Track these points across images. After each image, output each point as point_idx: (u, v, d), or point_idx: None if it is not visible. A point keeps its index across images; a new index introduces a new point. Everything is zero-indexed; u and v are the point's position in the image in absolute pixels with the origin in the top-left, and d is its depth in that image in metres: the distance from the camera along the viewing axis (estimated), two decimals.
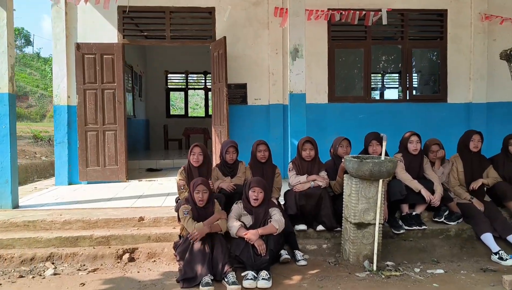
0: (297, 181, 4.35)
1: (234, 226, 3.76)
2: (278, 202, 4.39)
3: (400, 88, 9.65)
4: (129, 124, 11.45)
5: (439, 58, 7.44)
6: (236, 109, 6.87)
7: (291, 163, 4.55)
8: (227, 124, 6.30)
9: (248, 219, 3.89)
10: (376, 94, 11.98)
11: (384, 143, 3.77)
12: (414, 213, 4.39)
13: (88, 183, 6.61)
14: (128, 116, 10.72)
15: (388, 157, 3.92)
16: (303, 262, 3.89)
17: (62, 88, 6.57)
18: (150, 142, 13.85)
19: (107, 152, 6.63)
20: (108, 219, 4.38)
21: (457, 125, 7.06)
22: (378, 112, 7.12)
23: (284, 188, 4.60)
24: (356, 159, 3.77)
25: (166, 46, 9.83)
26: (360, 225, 3.81)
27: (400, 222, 4.32)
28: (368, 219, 3.78)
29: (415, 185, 4.33)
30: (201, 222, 3.67)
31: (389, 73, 12.46)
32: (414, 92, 7.23)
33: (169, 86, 14.47)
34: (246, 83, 6.89)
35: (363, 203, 3.77)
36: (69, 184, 6.60)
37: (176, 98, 25.95)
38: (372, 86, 8.21)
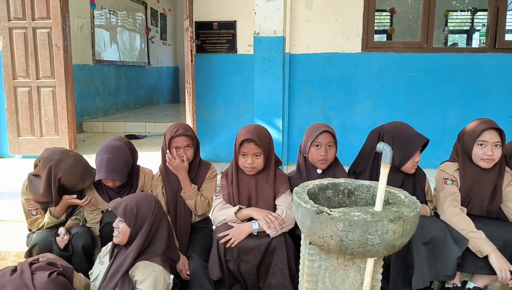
0: (222, 219, 2.23)
1: None
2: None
3: (481, 31, 6.66)
4: (140, 74, 9.72)
5: None
6: (218, 60, 4.64)
7: (221, 175, 2.39)
8: (192, 84, 4.13)
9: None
10: (439, 41, 8.72)
11: (385, 170, 1.45)
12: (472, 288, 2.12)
13: (23, 158, 4.92)
14: (134, 63, 9.08)
15: (410, 200, 1.60)
16: None
17: None
18: (180, 93, 12.06)
19: (43, 117, 4.82)
20: None
21: None
22: (442, 68, 4.50)
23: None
24: (308, 206, 1.49)
25: None
26: None
27: None
28: None
29: (480, 244, 2.01)
30: None
31: (462, 10, 9.09)
32: (506, 37, 4.47)
33: None
34: (235, 21, 4.58)
35: None
36: None
37: None
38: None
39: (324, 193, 1.79)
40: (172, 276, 2.01)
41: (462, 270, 2.14)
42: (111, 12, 7.85)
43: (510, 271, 2.00)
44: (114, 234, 2.00)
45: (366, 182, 1.79)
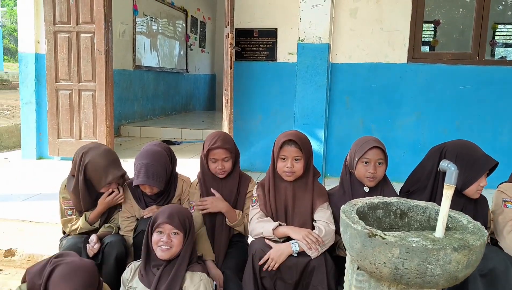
0: (259, 232, 2.12)
1: None
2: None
3: None
4: (178, 80, 9.82)
5: None
6: (257, 68, 4.55)
7: (258, 185, 2.28)
8: (230, 91, 4.05)
9: None
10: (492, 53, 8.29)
11: (449, 191, 1.29)
12: None
13: (61, 159, 4.99)
14: (173, 70, 9.15)
15: (474, 226, 1.42)
16: None
17: (28, 30, 4.89)
18: (217, 100, 12.11)
19: (83, 120, 4.88)
20: None
21: None
22: (494, 83, 4.24)
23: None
24: (358, 228, 1.34)
25: None
26: None
27: None
28: None
29: None
30: None
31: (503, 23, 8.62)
32: None
33: None
34: (276, 28, 4.47)
35: None
36: (39, 158, 5.05)
37: None
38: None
39: (374, 213, 1.64)
40: (214, 283, 2.03)
41: None
42: (153, 19, 7.96)
43: None
44: (162, 250, 1.90)
45: (422, 203, 1.62)
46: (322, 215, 2.13)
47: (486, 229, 2.10)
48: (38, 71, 4.93)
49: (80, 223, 2.30)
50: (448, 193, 1.30)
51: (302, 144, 2.14)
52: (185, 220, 1.95)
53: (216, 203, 2.29)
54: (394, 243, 1.28)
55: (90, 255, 2.17)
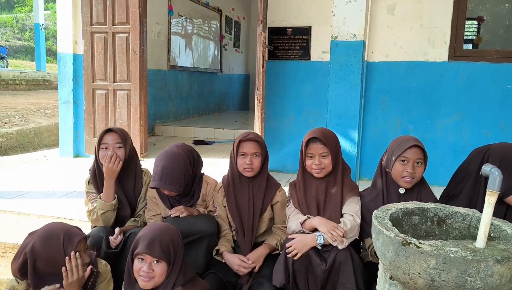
0: (293, 229, 2.14)
1: None
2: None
3: None
4: (212, 80, 9.83)
5: None
6: (290, 67, 4.47)
7: (290, 185, 2.28)
8: (262, 91, 3.99)
9: None
10: None
11: (492, 198, 1.18)
12: None
13: None
14: (207, 70, 9.16)
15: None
16: None
17: (67, 30, 5.01)
18: (250, 100, 12.12)
19: (118, 119, 4.96)
20: None
21: None
22: None
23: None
24: (391, 235, 1.25)
25: None
26: None
27: None
28: None
29: None
30: None
31: None
32: None
33: None
34: (310, 27, 4.38)
35: None
36: (76, 156, 5.18)
37: None
38: None
39: (409, 219, 1.54)
40: None
41: None
42: (188, 19, 8.02)
43: None
44: (143, 280, 1.72)
45: (462, 209, 1.50)
46: (350, 209, 2.13)
47: None
48: (76, 71, 5.04)
49: (97, 205, 2.31)
50: (490, 199, 1.19)
51: (327, 141, 2.15)
52: (168, 246, 1.73)
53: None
54: (430, 252, 1.19)
55: (113, 246, 2.18)
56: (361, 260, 2.04)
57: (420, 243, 1.23)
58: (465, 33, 4.31)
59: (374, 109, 4.31)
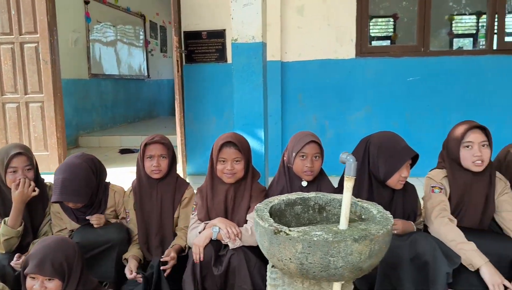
0: (195, 234, 2.11)
1: None
2: None
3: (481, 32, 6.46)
4: (139, 87, 9.61)
5: None
6: (208, 70, 4.52)
7: (197, 190, 2.30)
8: (179, 95, 3.99)
9: None
10: (444, 46, 8.56)
11: (349, 183, 1.28)
12: None
13: None
14: (133, 77, 8.94)
15: (382, 215, 1.42)
16: None
17: None
18: None
19: (32, 133, 4.73)
20: None
21: None
22: (440, 73, 4.31)
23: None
24: (265, 225, 1.33)
25: None
26: None
27: None
28: None
29: (471, 256, 1.83)
30: None
31: (470, 14, 8.91)
32: (506, 38, 4.28)
33: None
34: (224, 30, 4.45)
35: None
36: None
37: None
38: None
39: (292, 209, 1.62)
40: None
41: (454, 288, 1.94)
42: (109, 26, 7.81)
43: (504, 285, 1.80)
44: None
45: (338, 196, 1.61)
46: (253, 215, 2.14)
47: (416, 216, 2.13)
48: None
49: (0, 230, 2.19)
50: (348, 185, 1.29)
51: (241, 146, 2.17)
52: (61, 263, 1.68)
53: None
54: (297, 238, 1.27)
55: (18, 269, 2.10)
56: (261, 259, 2.04)
57: (290, 230, 1.31)
58: (383, 31, 4.58)
59: (291, 107, 4.46)
